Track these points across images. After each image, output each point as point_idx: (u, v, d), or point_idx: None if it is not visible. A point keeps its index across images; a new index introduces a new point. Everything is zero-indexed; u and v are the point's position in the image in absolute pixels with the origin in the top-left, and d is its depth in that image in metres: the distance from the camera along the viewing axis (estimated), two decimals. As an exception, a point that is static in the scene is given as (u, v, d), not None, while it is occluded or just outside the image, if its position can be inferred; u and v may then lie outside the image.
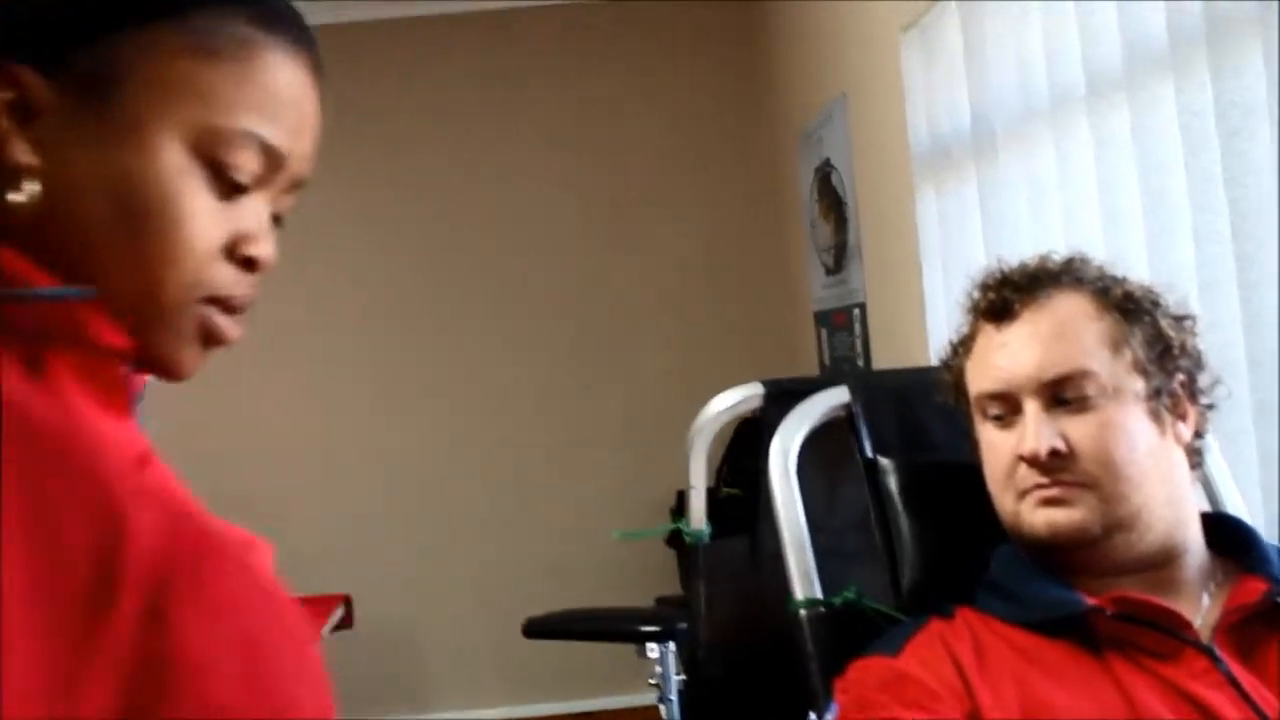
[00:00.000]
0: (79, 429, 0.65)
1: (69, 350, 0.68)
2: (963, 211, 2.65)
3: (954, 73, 2.62)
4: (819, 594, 1.38)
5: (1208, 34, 1.70)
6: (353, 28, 4.61)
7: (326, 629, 3.88)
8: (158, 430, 0.86)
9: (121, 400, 0.71)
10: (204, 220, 0.71)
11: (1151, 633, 1.06)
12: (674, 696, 2.42)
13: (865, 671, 1.10)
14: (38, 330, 0.67)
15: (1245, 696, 0.99)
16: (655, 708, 2.52)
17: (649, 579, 4.33)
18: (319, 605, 3.98)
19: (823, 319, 4.15)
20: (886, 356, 3.44)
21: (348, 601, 4.13)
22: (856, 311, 3.69)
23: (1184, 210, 1.82)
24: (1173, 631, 1.06)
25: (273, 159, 0.74)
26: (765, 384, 1.80)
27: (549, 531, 4.66)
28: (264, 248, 0.74)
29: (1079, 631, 1.08)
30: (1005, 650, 1.08)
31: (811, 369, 4.30)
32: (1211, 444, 1.48)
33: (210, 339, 0.74)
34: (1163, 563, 1.15)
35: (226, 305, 0.73)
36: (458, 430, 4.73)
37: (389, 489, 4.70)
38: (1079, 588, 1.13)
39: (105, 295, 0.69)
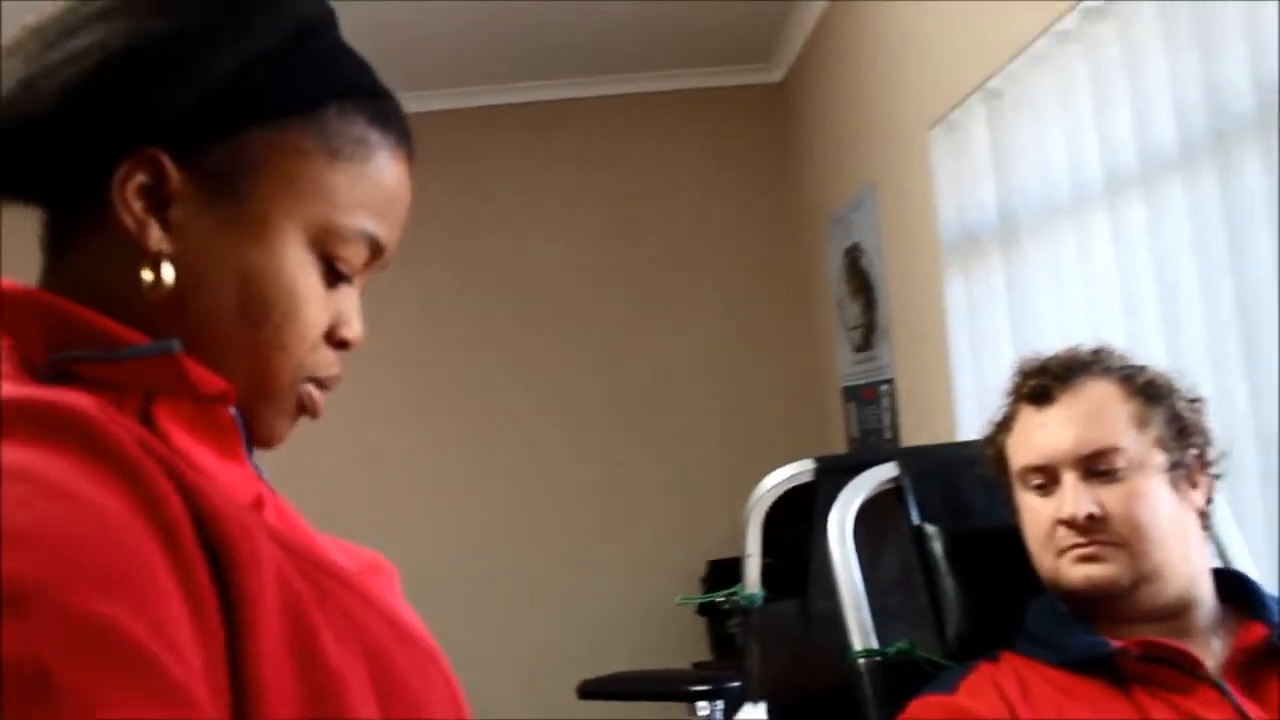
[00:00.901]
0: (199, 471, 0.64)
1: (172, 400, 0.69)
2: (989, 296, 2.83)
3: (981, 167, 2.82)
4: (875, 645, 1.55)
5: (1213, 140, 1.89)
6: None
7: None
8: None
9: (235, 443, 0.73)
10: (316, 310, 0.74)
11: (1170, 670, 1.23)
12: (725, 754, 2.55)
13: (925, 708, 1.27)
14: (138, 385, 0.68)
15: (1245, 718, 1.16)
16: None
17: (683, 646, 4.43)
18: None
19: (851, 393, 4.32)
20: (913, 428, 3.61)
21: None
22: (885, 387, 3.87)
23: (1194, 299, 2.00)
24: (1188, 670, 1.23)
25: (376, 252, 0.77)
26: (817, 460, 1.98)
27: (588, 600, 4.78)
28: (357, 329, 0.78)
29: (1108, 671, 1.25)
30: (1046, 687, 1.24)
31: (839, 441, 4.46)
32: (1222, 507, 1.66)
33: (304, 411, 0.78)
34: (1180, 612, 1.32)
35: (322, 383, 0.77)
36: (508, 506, 4.87)
37: (450, 559, 4.79)
38: (1107, 634, 1.30)
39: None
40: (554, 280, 4.96)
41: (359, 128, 0.75)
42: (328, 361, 0.77)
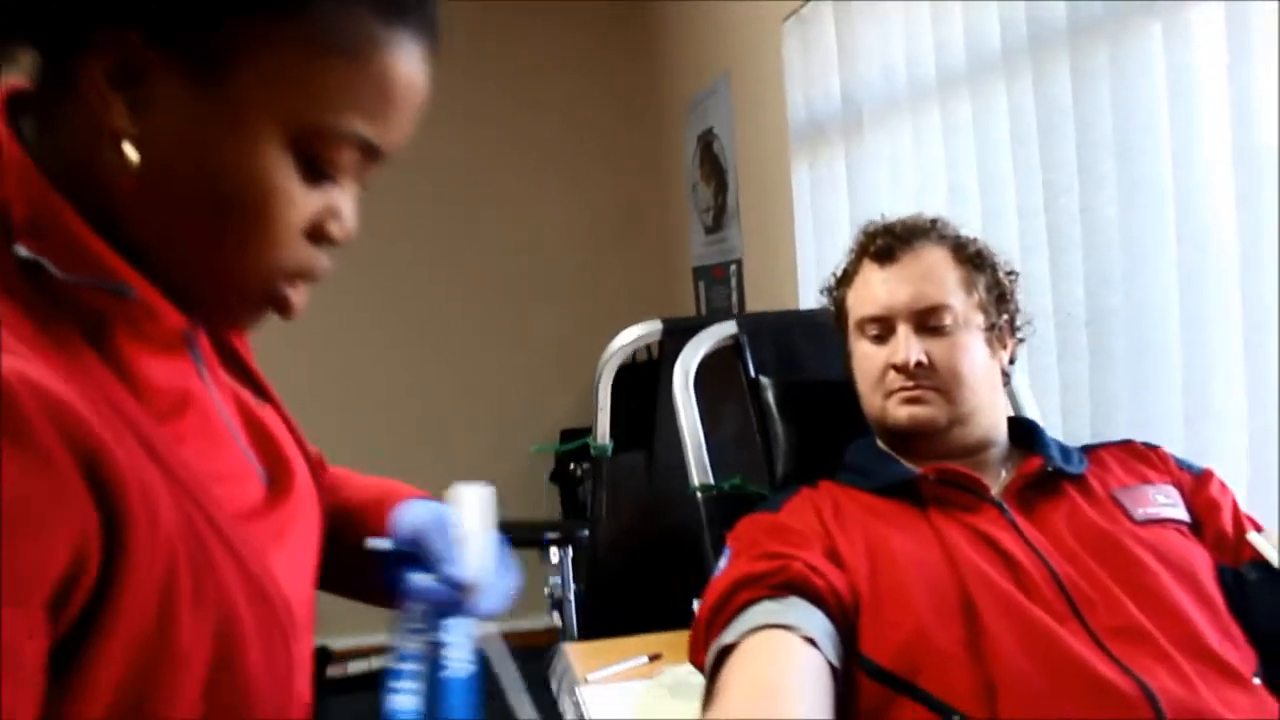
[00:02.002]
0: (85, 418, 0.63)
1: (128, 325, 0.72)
2: (832, 181, 3.03)
3: (828, 61, 2.99)
4: (712, 481, 1.74)
5: (1032, 47, 2.09)
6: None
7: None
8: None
9: (178, 343, 0.76)
10: (289, 209, 0.71)
11: (961, 493, 1.45)
12: (571, 598, 2.74)
13: (752, 523, 1.46)
14: (101, 309, 0.70)
15: (1021, 534, 1.38)
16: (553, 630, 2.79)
17: (534, 510, 4.65)
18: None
19: (702, 273, 4.51)
20: (758, 305, 3.81)
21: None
22: (734, 267, 4.06)
23: (1010, 188, 2.22)
24: (975, 492, 1.45)
25: (370, 154, 0.74)
26: (664, 321, 2.15)
27: (444, 469, 4.88)
28: (346, 227, 0.76)
29: (911, 495, 1.46)
30: (856, 508, 1.45)
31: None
32: (1020, 370, 1.89)
33: (278, 308, 0.76)
34: (979, 449, 1.54)
35: (305, 277, 0.75)
36: (360, 371, 4.94)
37: (315, 404, 4.83)
38: (916, 465, 1.51)
39: (182, 269, 0.71)
40: (411, 154, 4.95)
41: (360, 21, 0.69)
42: (309, 256, 0.74)
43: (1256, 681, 1.27)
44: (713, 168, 4.25)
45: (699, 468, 1.77)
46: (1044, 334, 2.12)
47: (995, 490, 1.46)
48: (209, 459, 0.75)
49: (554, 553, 2.70)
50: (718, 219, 4.25)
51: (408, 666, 0.94)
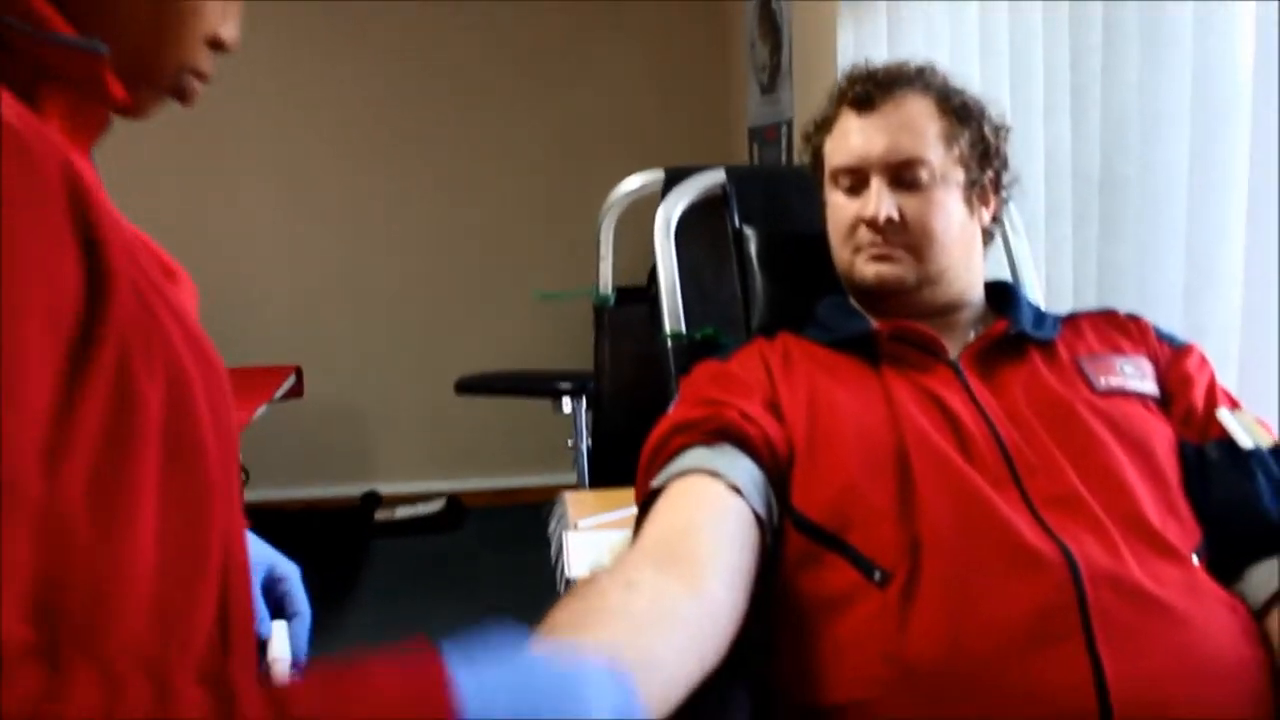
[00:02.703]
0: (77, 165, 0.67)
1: (68, 90, 0.74)
2: (875, 41, 2.95)
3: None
4: (683, 330, 1.72)
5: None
6: None
7: (279, 394, 4.18)
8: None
9: (87, 140, 0.78)
10: (215, 9, 0.80)
11: (916, 352, 1.40)
12: (584, 447, 2.77)
13: (701, 370, 1.44)
14: (50, 68, 0.73)
15: (971, 396, 1.34)
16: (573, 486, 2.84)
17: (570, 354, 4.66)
18: (274, 374, 4.27)
19: (756, 134, 4.43)
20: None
21: (299, 372, 4.44)
22: (784, 128, 3.98)
23: (1038, 49, 2.13)
24: (931, 351, 1.40)
25: None
26: (666, 170, 2.11)
27: (477, 305, 4.97)
28: (235, 33, 0.84)
29: (867, 351, 1.42)
30: (806, 361, 1.41)
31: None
32: (1019, 227, 1.83)
33: (179, 97, 0.83)
34: (950, 311, 1.48)
35: (200, 76, 0.83)
36: (402, 216, 4.97)
37: (340, 268, 4.95)
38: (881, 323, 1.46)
39: (115, 47, 0.74)
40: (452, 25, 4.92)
41: None
42: (207, 58, 0.82)
43: (1195, 561, 1.24)
44: (770, 25, 4.14)
45: (672, 316, 1.75)
46: (1061, 199, 2.04)
47: (956, 352, 1.42)
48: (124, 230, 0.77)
49: (567, 404, 2.72)
50: (772, 78, 4.15)
51: None
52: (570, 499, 2.33)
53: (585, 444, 2.73)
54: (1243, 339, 1.65)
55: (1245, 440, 1.37)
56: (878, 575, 1.19)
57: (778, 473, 1.28)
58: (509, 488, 4.96)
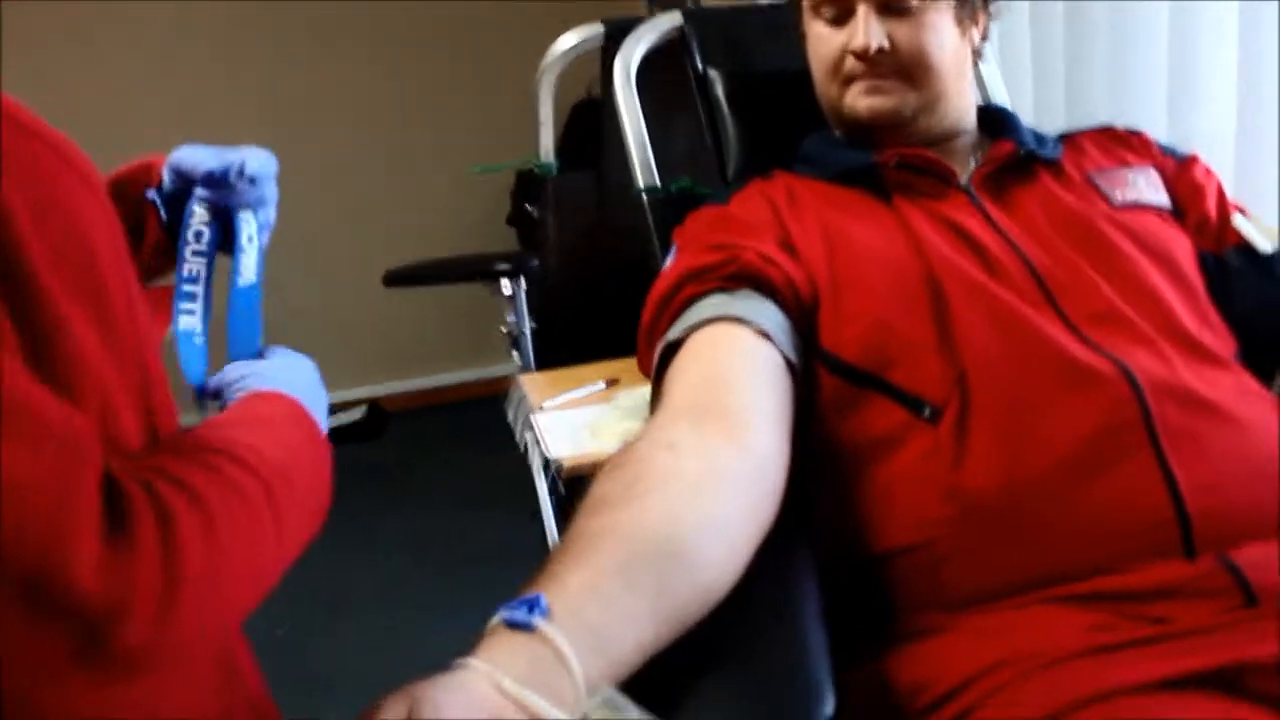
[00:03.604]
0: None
1: None
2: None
3: None
4: (658, 183, 1.61)
5: None
6: None
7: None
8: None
9: None
10: None
11: (926, 179, 1.32)
12: (527, 332, 2.66)
13: (699, 217, 1.34)
14: None
15: (991, 221, 1.27)
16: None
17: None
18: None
19: None
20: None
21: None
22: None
23: None
24: (942, 177, 1.33)
25: None
26: (605, 23, 1.98)
27: (405, 188, 4.75)
28: None
29: (873, 183, 1.33)
30: (812, 197, 1.32)
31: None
32: (988, 52, 1.74)
33: None
34: (948, 138, 1.40)
35: None
36: (315, 94, 4.67)
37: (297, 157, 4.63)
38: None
39: None
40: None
41: None
42: None
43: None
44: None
45: (644, 169, 1.64)
46: (1018, 15, 1.96)
47: (964, 178, 1.34)
48: None
49: (506, 286, 2.60)
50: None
51: (190, 288, 1.02)
52: (526, 381, 2.24)
53: (528, 327, 2.62)
54: (1236, 153, 1.60)
55: (1264, 244, 1.33)
56: (927, 411, 1.12)
57: (802, 316, 1.20)
58: (431, 387, 4.83)
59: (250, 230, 1.06)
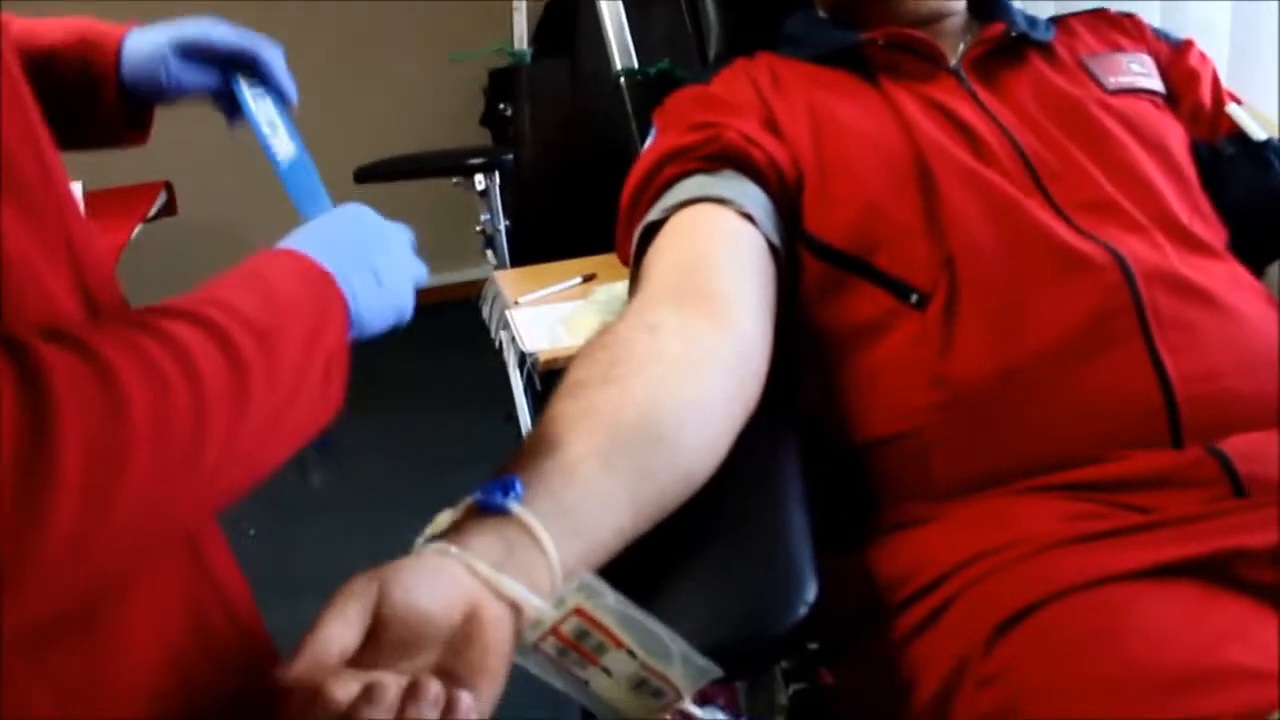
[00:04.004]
0: None
1: None
2: None
3: None
4: (635, 65, 1.56)
5: None
6: None
7: (151, 214, 3.88)
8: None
9: None
10: None
11: (914, 60, 1.28)
12: (502, 229, 2.62)
13: (678, 97, 1.29)
14: None
15: (981, 104, 1.23)
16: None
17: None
18: (140, 193, 3.96)
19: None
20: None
21: (169, 187, 4.13)
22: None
23: None
24: (930, 58, 1.28)
25: None
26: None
27: (376, 83, 4.64)
28: None
29: (858, 64, 1.29)
30: (797, 77, 1.27)
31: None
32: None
33: None
34: (936, 19, 1.33)
35: None
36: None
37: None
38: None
39: None
40: None
41: None
42: None
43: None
44: None
45: (622, 52, 1.58)
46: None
47: (953, 60, 1.30)
48: None
49: (480, 182, 2.55)
50: None
51: (267, 130, 1.01)
52: (501, 278, 2.21)
53: (503, 225, 2.57)
54: (1230, 41, 1.55)
55: (1258, 132, 1.30)
56: (914, 297, 1.09)
57: (786, 198, 1.16)
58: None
59: (269, 114, 1.03)
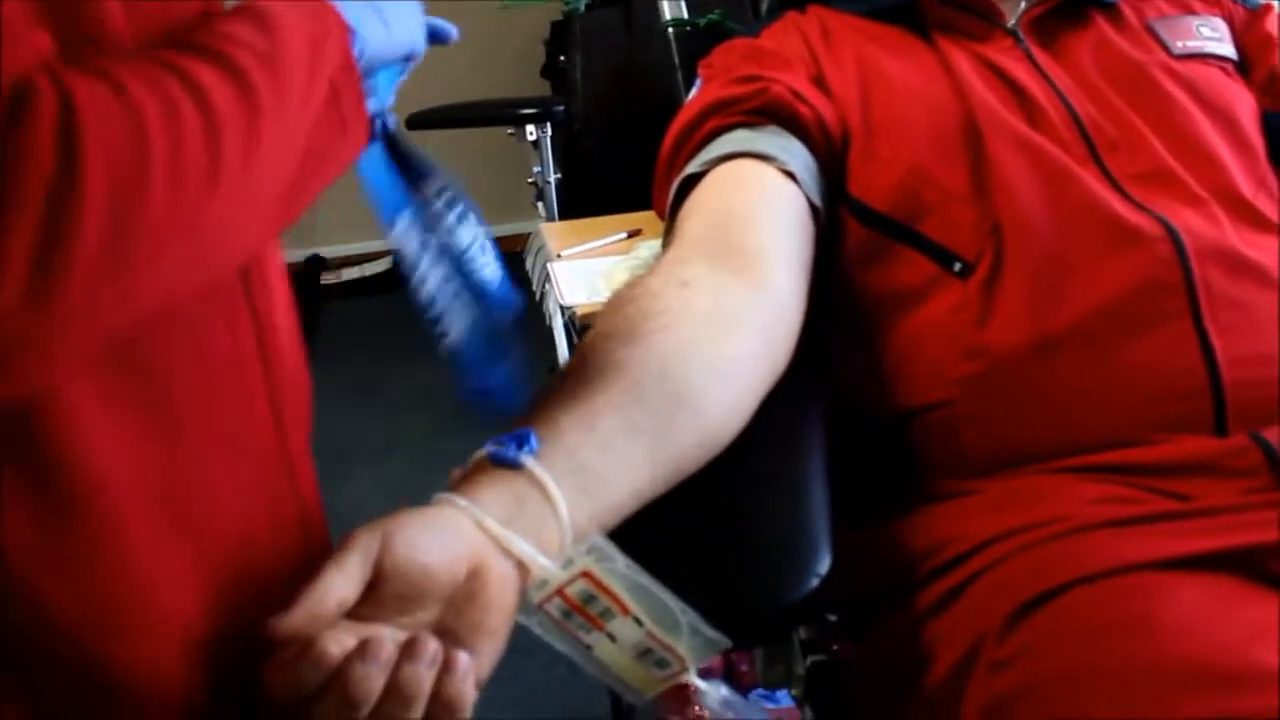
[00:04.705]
0: None
1: None
2: None
3: None
4: (685, 15, 1.52)
5: None
6: None
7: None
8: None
9: None
10: None
11: (971, 18, 1.23)
12: (551, 181, 2.59)
13: (728, 49, 1.26)
14: None
15: (1038, 67, 1.18)
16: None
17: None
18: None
19: None
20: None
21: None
22: None
23: None
24: (987, 17, 1.23)
25: None
26: None
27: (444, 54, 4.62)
28: None
29: (912, 21, 1.24)
30: (848, 32, 1.23)
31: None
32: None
33: None
34: None
35: None
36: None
37: None
38: None
39: None
40: None
41: None
42: None
43: None
44: None
45: (672, 1, 1.55)
46: None
47: (1012, 19, 1.25)
48: None
49: (531, 132, 2.52)
50: None
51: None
52: (547, 231, 2.19)
53: (554, 176, 2.54)
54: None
55: None
56: (957, 266, 1.05)
57: (831, 158, 1.13)
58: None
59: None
